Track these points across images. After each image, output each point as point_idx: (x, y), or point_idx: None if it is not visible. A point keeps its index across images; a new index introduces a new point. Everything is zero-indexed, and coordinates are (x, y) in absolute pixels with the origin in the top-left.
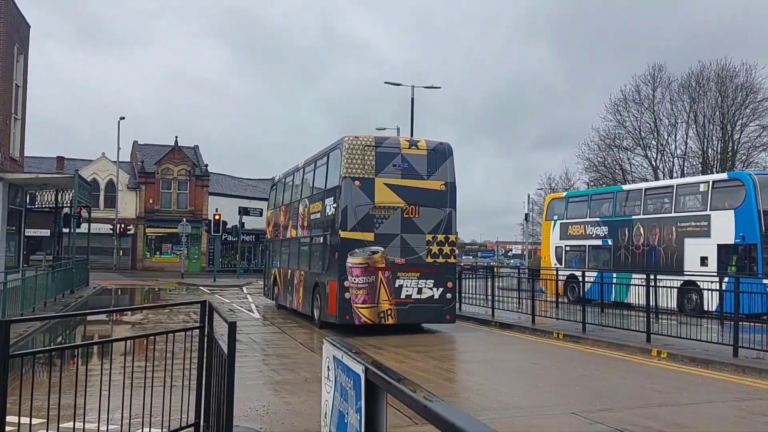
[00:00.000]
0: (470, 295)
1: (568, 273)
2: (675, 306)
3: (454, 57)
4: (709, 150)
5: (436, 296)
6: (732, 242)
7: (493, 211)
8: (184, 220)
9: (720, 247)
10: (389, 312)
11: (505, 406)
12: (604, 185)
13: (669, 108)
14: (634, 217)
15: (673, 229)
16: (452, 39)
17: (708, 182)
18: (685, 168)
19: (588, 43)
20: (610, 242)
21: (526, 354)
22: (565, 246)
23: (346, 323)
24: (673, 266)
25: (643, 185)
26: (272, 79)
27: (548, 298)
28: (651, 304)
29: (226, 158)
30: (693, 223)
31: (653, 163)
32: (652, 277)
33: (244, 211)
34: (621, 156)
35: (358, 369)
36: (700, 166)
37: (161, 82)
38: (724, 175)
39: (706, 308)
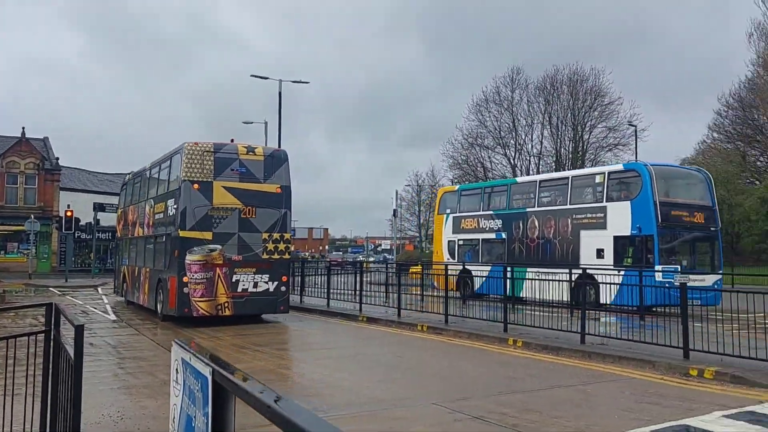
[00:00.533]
0: (338, 291)
1: (460, 267)
2: (570, 299)
3: (327, 51)
4: (562, 149)
5: (272, 289)
6: (628, 234)
7: (364, 207)
8: (32, 216)
9: (616, 238)
10: (226, 304)
11: (367, 400)
12: (467, 182)
13: (526, 109)
14: (528, 209)
15: (569, 221)
16: (325, 33)
17: (603, 173)
18: (541, 166)
19: (458, 42)
20: (504, 235)
21: (390, 347)
22: (458, 240)
23: (184, 315)
24: (568, 259)
25: (537, 177)
26: (135, 68)
27: (440, 294)
28: (542, 297)
29: (82, 151)
30: (589, 215)
31: (512, 161)
32: (545, 270)
33: (99, 207)
34: (483, 154)
35: (206, 371)
36: (554, 164)
37: (8, 68)
38: (619, 166)
39: (602, 301)
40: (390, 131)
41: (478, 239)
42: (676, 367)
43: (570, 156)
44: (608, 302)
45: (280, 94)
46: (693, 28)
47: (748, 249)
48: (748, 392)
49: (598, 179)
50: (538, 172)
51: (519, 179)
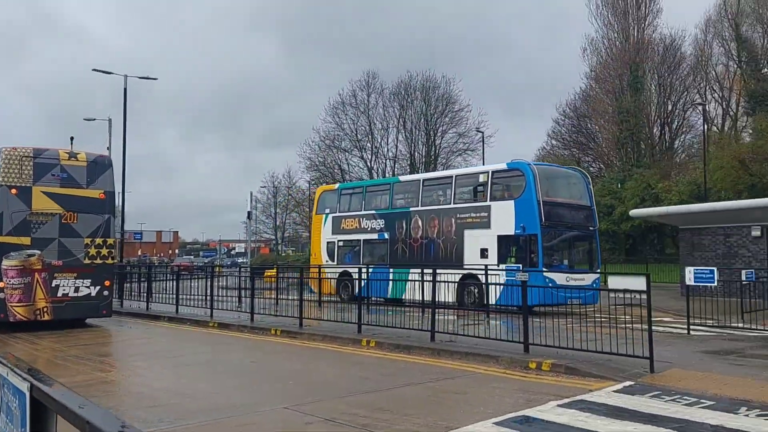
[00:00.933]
0: (189, 297)
1: (341, 270)
2: (454, 300)
3: (182, 48)
4: (416, 153)
5: (94, 294)
6: (512, 233)
7: (218, 209)
8: None
9: (500, 238)
10: (45, 309)
11: (216, 407)
12: (324, 183)
13: (382, 113)
14: (412, 208)
15: (453, 220)
16: (180, 29)
17: (487, 172)
18: (396, 169)
19: (317, 44)
20: (386, 236)
21: (242, 352)
22: (338, 241)
23: (1, 321)
24: (452, 259)
25: (421, 176)
26: None
27: (320, 298)
28: (426, 298)
29: None
30: (473, 214)
31: (368, 164)
32: (428, 271)
33: None
34: (340, 156)
35: (23, 386)
36: (408, 167)
37: None
38: (503, 165)
39: (486, 301)
40: (247, 132)
41: (360, 240)
42: (518, 361)
43: (423, 159)
44: (494, 302)
45: (125, 90)
46: (537, 43)
47: None
48: (580, 382)
49: (482, 178)
50: (393, 175)
51: (402, 178)
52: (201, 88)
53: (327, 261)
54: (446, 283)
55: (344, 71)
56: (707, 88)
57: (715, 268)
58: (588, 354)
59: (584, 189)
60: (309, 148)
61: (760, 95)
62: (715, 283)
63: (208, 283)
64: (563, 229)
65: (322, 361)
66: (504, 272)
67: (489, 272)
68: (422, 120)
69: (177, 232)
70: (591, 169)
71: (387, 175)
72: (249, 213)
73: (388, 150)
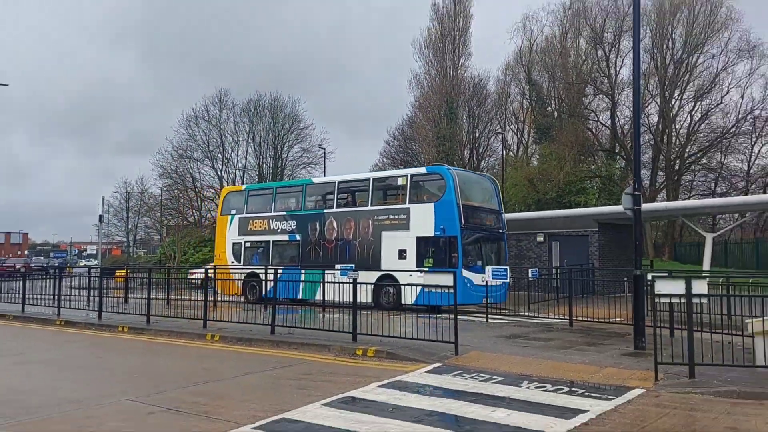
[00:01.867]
0: (37, 296)
1: (248, 271)
2: (370, 301)
3: (36, 54)
4: (264, 165)
5: None
6: (431, 235)
7: (71, 212)
8: None
9: (419, 239)
10: None
11: (60, 401)
12: (176, 191)
13: (233, 127)
14: (326, 210)
15: (370, 222)
16: (35, 34)
17: (406, 176)
18: (245, 179)
19: (175, 55)
20: (298, 237)
21: (88, 349)
22: (245, 242)
23: None
24: (369, 261)
25: (336, 178)
26: None
27: (224, 299)
28: (340, 299)
29: None
30: (391, 217)
31: (219, 173)
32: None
33: None
34: (192, 166)
35: None
36: (257, 177)
37: None
38: (422, 169)
39: (404, 302)
40: (104, 139)
41: (269, 241)
42: (347, 349)
43: (271, 171)
44: (411, 302)
45: None
46: (378, 74)
47: None
48: (398, 365)
49: (400, 181)
50: (243, 183)
51: (315, 180)
52: (57, 95)
53: (232, 262)
54: (363, 284)
55: (200, 87)
56: (506, 120)
57: (508, 267)
58: (406, 341)
59: (494, 193)
60: (162, 157)
61: (545, 128)
62: (509, 280)
63: (55, 283)
64: (478, 231)
65: (168, 355)
66: (425, 273)
67: (405, 273)
68: (270, 135)
69: (27, 233)
70: None
71: (236, 183)
72: (101, 216)
73: (238, 161)
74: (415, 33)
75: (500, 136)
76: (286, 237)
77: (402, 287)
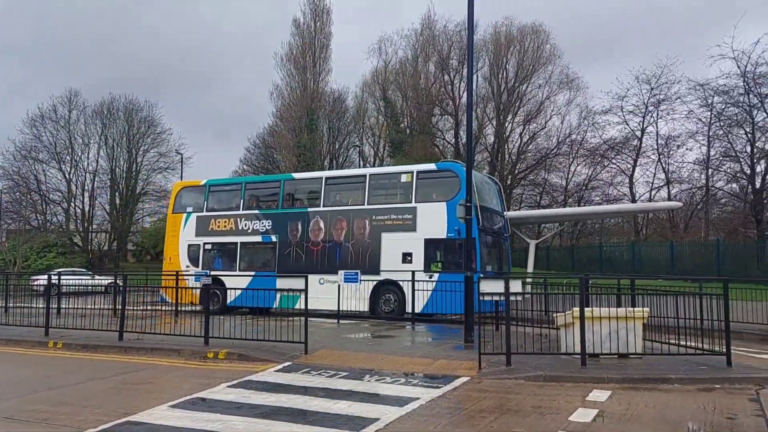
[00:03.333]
0: None
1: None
2: (367, 309)
3: None
4: (117, 169)
5: None
6: (444, 237)
7: None
8: None
9: (428, 242)
10: None
11: None
12: (19, 193)
13: (83, 129)
14: (311, 209)
15: (366, 222)
16: None
17: (412, 172)
18: (96, 183)
19: (26, 54)
20: (274, 238)
21: None
22: (204, 243)
23: None
24: (366, 265)
25: (323, 174)
26: None
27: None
28: (330, 307)
29: None
30: (393, 216)
31: (67, 176)
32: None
33: None
34: (37, 167)
35: None
36: (109, 182)
37: None
38: (431, 165)
39: (408, 310)
40: None
41: (236, 243)
42: (198, 352)
43: (124, 175)
44: (418, 310)
45: None
46: (246, 84)
47: None
48: (249, 366)
49: (404, 178)
50: (93, 189)
51: (296, 175)
52: None
53: (187, 267)
54: (358, 290)
55: (53, 85)
56: (364, 133)
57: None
58: (259, 342)
59: (499, 196)
60: (3, 158)
61: (399, 143)
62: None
63: None
64: (490, 234)
65: (5, 363)
66: (435, 279)
67: (409, 276)
68: (124, 139)
69: None
70: None
71: (86, 188)
72: None
73: (88, 164)
74: (278, 45)
75: (358, 149)
76: (258, 238)
77: (406, 294)
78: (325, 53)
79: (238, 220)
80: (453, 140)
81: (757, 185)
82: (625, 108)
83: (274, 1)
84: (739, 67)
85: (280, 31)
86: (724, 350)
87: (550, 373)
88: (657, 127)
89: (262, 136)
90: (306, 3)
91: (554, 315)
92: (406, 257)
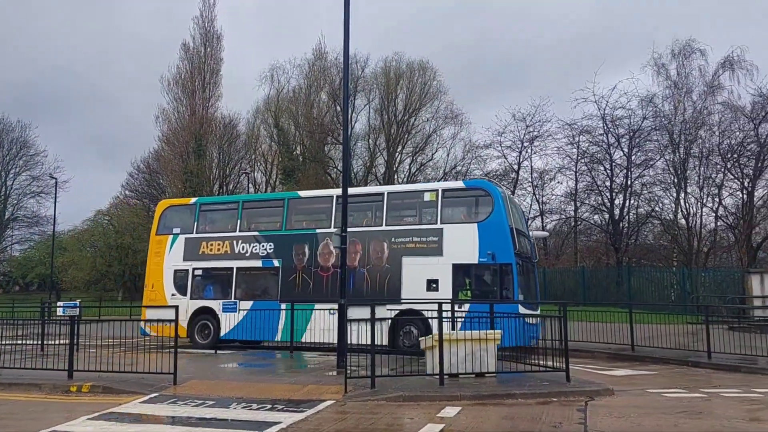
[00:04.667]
0: None
1: (198, 306)
2: (386, 343)
3: None
4: None
5: None
6: (475, 262)
7: None
8: None
9: (457, 267)
10: None
11: None
12: None
13: None
14: (320, 230)
15: (385, 245)
16: None
17: (437, 190)
18: None
19: None
20: (276, 263)
21: None
22: (194, 269)
23: None
24: (384, 292)
25: (334, 192)
26: None
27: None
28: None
29: None
30: (415, 239)
31: None
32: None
33: None
34: None
35: None
36: None
37: None
38: (458, 183)
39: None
40: None
41: (231, 268)
42: (60, 386)
43: None
44: None
45: None
46: (135, 107)
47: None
48: (114, 398)
49: (428, 197)
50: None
51: (302, 193)
52: None
53: (174, 295)
54: (380, 322)
55: None
56: (256, 160)
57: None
58: (126, 375)
59: (524, 219)
60: None
61: (291, 170)
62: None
63: None
64: (524, 259)
65: None
66: (466, 309)
67: (443, 308)
68: None
69: None
70: None
71: None
72: None
73: None
74: (166, 69)
75: (247, 176)
76: (258, 263)
77: (432, 326)
78: (216, 78)
79: (235, 242)
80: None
81: (616, 216)
82: (503, 143)
83: (167, 23)
84: (599, 109)
85: (171, 54)
86: (564, 367)
87: (409, 393)
88: (531, 162)
89: (146, 161)
90: (196, 28)
91: (420, 339)
92: (432, 285)
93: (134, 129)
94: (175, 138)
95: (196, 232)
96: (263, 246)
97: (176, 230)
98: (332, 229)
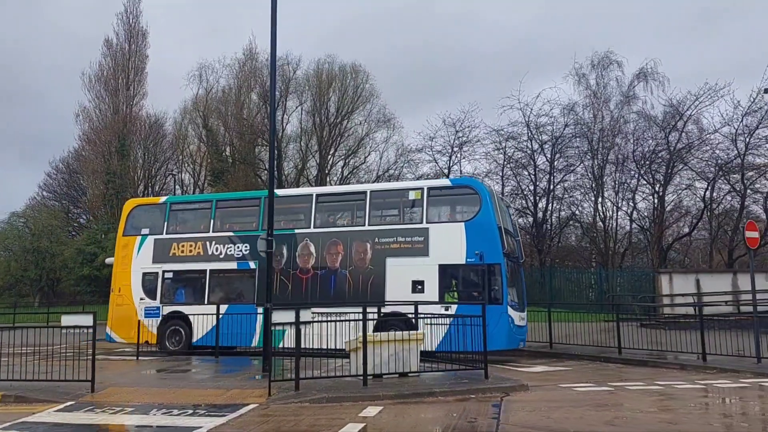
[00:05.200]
0: None
1: (169, 310)
2: None
3: None
4: None
5: None
6: (462, 262)
7: None
8: None
9: (443, 268)
10: None
11: None
12: None
13: None
14: (299, 230)
15: (368, 246)
16: None
17: (421, 189)
18: None
19: None
20: (252, 265)
21: None
22: (164, 272)
23: None
24: (366, 294)
25: (313, 190)
26: None
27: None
28: (320, 345)
29: None
30: (400, 239)
31: None
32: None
33: None
34: None
35: None
36: None
37: None
38: (445, 181)
39: (426, 348)
40: None
41: (204, 270)
42: None
43: None
44: (432, 348)
45: None
46: (57, 103)
47: (67, 291)
48: (27, 408)
49: (413, 195)
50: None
51: (280, 192)
52: None
53: (142, 299)
54: (357, 325)
55: None
56: (183, 161)
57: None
58: (40, 383)
59: (511, 218)
60: None
61: (220, 172)
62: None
63: None
64: (512, 260)
65: None
66: (453, 310)
67: (423, 310)
68: None
69: None
70: (81, 219)
71: None
72: None
73: None
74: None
75: (174, 177)
76: (233, 265)
77: (428, 327)
78: (140, 76)
79: (208, 243)
80: (276, 171)
81: (540, 219)
82: (434, 148)
83: (97, 17)
84: (524, 116)
85: (94, 50)
86: (482, 365)
87: (333, 394)
88: (461, 166)
89: (66, 161)
90: (120, 23)
91: (344, 341)
92: (417, 286)
93: (58, 127)
94: (96, 137)
95: (167, 233)
96: (238, 247)
97: (145, 231)
98: (312, 230)
